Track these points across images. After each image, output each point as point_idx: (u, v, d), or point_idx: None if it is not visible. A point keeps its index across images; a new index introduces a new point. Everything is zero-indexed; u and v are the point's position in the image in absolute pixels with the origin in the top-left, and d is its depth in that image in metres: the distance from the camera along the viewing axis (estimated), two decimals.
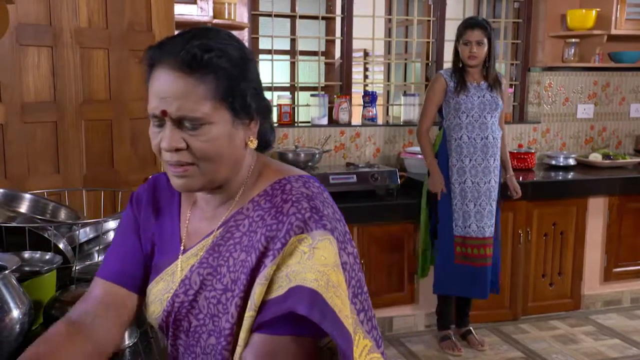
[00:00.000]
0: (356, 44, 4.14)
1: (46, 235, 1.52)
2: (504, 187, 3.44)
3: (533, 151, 4.20)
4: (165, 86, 0.97)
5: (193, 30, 1.01)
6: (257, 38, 3.96)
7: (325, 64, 4.27)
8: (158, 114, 0.97)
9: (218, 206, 1.08)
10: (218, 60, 0.97)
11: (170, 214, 1.15)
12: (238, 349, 0.97)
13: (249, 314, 0.96)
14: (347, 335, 0.93)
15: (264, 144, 1.14)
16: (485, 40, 3.16)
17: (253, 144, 1.05)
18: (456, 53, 3.27)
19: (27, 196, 1.73)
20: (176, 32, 1.03)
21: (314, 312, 0.90)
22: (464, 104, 3.22)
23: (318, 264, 0.94)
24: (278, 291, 0.94)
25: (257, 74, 1.05)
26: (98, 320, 1.08)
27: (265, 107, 1.09)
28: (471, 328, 3.55)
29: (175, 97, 0.96)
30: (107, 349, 1.09)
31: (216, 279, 1.03)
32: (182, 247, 1.10)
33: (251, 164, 1.08)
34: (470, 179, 3.24)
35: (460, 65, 3.26)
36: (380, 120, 4.25)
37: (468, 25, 3.18)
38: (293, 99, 4.00)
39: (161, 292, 1.09)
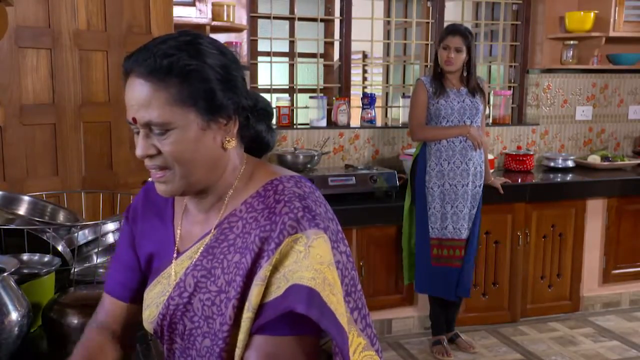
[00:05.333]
0: (355, 46, 4.14)
1: (45, 238, 1.52)
2: (489, 190, 3.45)
3: (532, 153, 4.21)
4: (133, 94, 0.99)
5: (161, 37, 1.02)
6: (256, 40, 3.96)
7: (324, 66, 4.27)
8: (130, 121, 1.00)
9: (208, 209, 1.09)
10: (180, 64, 0.97)
11: (164, 219, 1.16)
12: (237, 351, 0.97)
13: (247, 315, 0.96)
14: (343, 332, 0.94)
15: (262, 147, 1.14)
16: (464, 49, 3.19)
17: (230, 144, 1.04)
18: (437, 57, 3.29)
19: (26, 198, 1.73)
20: (148, 41, 1.03)
21: (312, 310, 0.91)
22: (444, 109, 3.24)
23: (314, 262, 0.95)
24: (277, 292, 0.94)
25: (237, 74, 1.04)
26: (111, 328, 1.18)
27: (253, 107, 1.08)
28: (457, 332, 3.55)
29: (141, 104, 0.98)
30: (125, 349, 1.20)
31: (210, 281, 1.03)
32: (175, 251, 1.11)
33: (239, 166, 1.08)
34: (449, 181, 3.25)
35: (439, 71, 3.29)
36: (379, 122, 4.25)
37: (449, 31, 3.22)
38: (292, 101, 4.00)
39: (157, 295, 1.10)
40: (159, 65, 0.97)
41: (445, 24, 4.14)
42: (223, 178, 1.06)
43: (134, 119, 0.99)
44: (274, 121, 1.19)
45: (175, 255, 1.11)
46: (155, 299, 1.10)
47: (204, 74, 0.98)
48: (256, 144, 1.14)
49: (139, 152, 1.01)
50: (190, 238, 1.10)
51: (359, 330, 1.02)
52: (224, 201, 1.07)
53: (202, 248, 1.06)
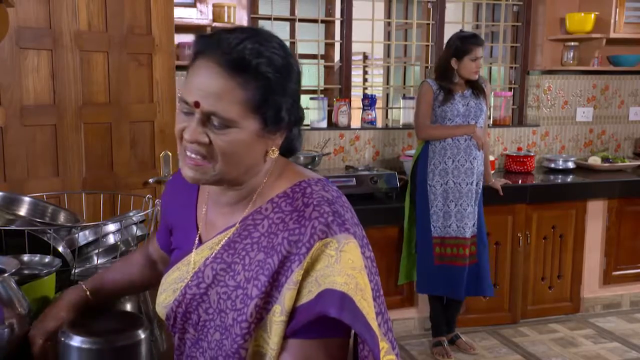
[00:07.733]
0: (355, 47, 4.14)
1: (45, 238, 1.51)
2: (489, 191, 3.46)
3: (532, 154, 4.21)
4: (206, 79, 0.96)
5: (246, 30, 1.00)
6: None
7: (325, 67, 4.27)
8: (191, 103, 0.97)
9: (234, 203, 1.08)
10: (264, 69, 0.96)
11: (188, 204, 1.17)
12: (271, 353, 0.98)
13: (281, 318, 0.96)
14: (375, 337, 0.95)
15: (290, 150, 1.13)
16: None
17: (274, 153, 1.04)
18: (448, 66, 3.26)
19: (27, 199, 1.73)
20: (226, 29, 1.00)
21: (344, 314, 0.91)
22: (450, 111, 3.26)
23: (347, 267, 0.95)
24: (308, 296, 0.95)
25: (298, 85, 1.04)
26: (154, 259, 1.36)
27: (299, 118, 1.08)
28: (458, 333, 3.56)
29: (212, 93, 0.95)
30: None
31: (229, 275, 1.04)
32: (197, 240, 1.11)
33: (270, 166, 1.08)
34: (453, 179, 3.26)
35: (450, 78, 3.27)
36: (379, 123, 4.25)
37: (473, 42, 3.20)
38: None
39: (176, 280, 1.10)
40: (247, 63, 0.95)
41: (446, 26, 4.16)
42: (254, 178, 1.06)
43: (197, 103, 0.96)
44: None
45: (196, 243, 1.11)
46: (173, 285, 1.10)
47: (284, 88, 0.99)
48: (286, 148, 1.12)
49: (187, 136, 0.98)
50: (213, 229, 1.10)
51: (382, 334, 1.03)
52: (252, 198, 1.07)
53: (224, 241, 1.06)
